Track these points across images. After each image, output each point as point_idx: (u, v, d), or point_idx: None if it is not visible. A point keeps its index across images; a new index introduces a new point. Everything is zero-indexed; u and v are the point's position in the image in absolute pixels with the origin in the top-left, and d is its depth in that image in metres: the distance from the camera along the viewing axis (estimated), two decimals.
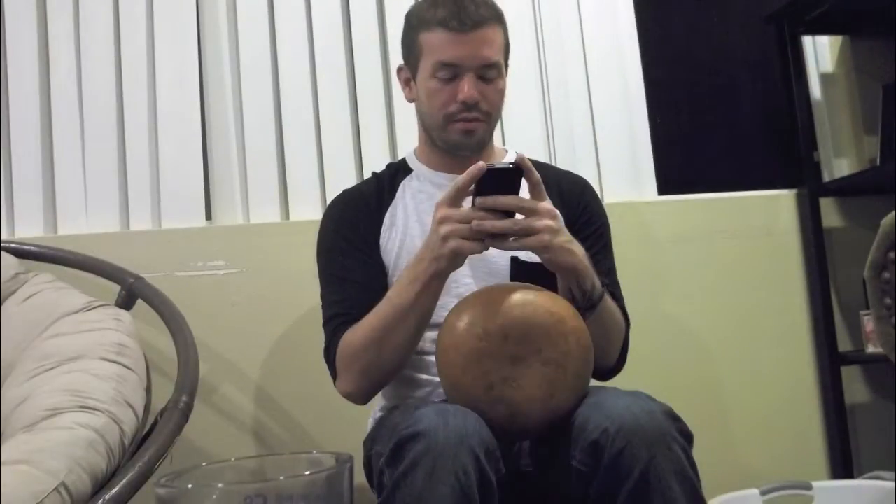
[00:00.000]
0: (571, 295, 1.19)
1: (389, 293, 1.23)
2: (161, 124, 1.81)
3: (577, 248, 1.18)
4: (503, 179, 1.12)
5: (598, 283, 1.21)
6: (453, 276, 1.23)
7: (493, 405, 1.08)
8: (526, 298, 1.11)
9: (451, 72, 1.29)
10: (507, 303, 1.10)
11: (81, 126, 1.77)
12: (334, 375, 1.30)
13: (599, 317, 1.22)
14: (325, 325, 1.33)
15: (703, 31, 2.17)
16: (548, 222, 1.13)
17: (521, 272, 1.29)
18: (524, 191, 1.15)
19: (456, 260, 1.15)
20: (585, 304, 1.20)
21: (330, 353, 1.30)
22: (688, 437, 1.07)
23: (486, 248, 1.14)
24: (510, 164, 1.12)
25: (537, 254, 1.16)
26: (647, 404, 1.07)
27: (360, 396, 1.29)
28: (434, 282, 1.18)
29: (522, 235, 1.12)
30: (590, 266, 1.20)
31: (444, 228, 1.12)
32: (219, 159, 1.84)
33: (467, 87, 1.28)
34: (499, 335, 1.09)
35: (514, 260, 1.30)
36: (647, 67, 2.06)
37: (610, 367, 1.33)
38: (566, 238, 1.16)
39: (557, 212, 1.16)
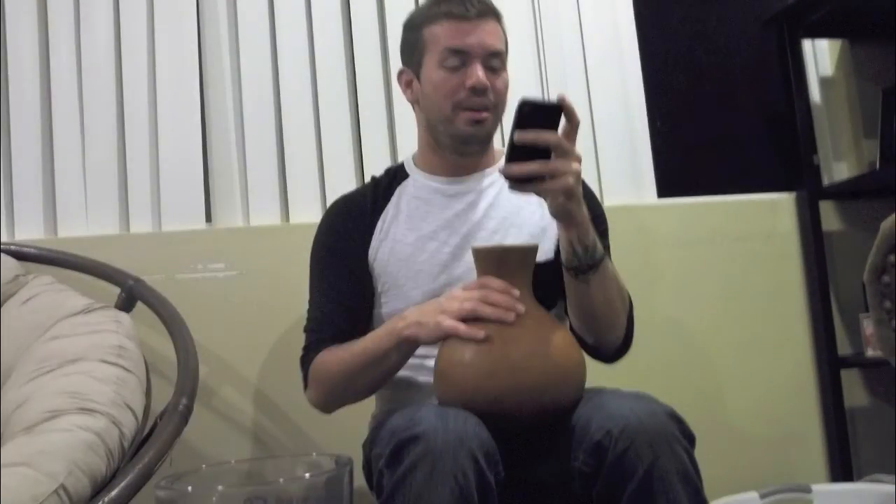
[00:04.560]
0: (573, 250, 1.16)
1: (367, 338, 1.26)
2: (161, 126, 1.81)
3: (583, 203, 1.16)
4: (543, 117, 1.08)
5: (599, 243, 1.19)
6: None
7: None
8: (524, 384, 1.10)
9: (460, 59, 1.29)
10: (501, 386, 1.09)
11: (81, 128, 1.77)
12: (305, 383, 1.35)
13: (602, 277, 1.19)
14: (304, 330, 1.38)
15: (702, 34, 2.17)
16: (577, 166, 1.10)
17: None
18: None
19: (435, 335, 1.16)
20: (588, 261, 1.17)
21: (304, 363, 1.35)
22: (690, 439, 1.07)
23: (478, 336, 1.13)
24: (552, 102, 1.08)
25: (553, 199, 1.11)
26: (650, 405, 1.07)
27: (325, 410, 1.35)
28: (404, 345, 1.20)
29: (551, 177, 1.08)
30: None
31: (451, 304, 1.15)
32: (219, 162, 1.85)
33: (476, 73, 1.28)
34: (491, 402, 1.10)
35: None
36: (646, 70, 2.06)
37: (616, 345, 1.29)
38: (581, 190, 1.13)
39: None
